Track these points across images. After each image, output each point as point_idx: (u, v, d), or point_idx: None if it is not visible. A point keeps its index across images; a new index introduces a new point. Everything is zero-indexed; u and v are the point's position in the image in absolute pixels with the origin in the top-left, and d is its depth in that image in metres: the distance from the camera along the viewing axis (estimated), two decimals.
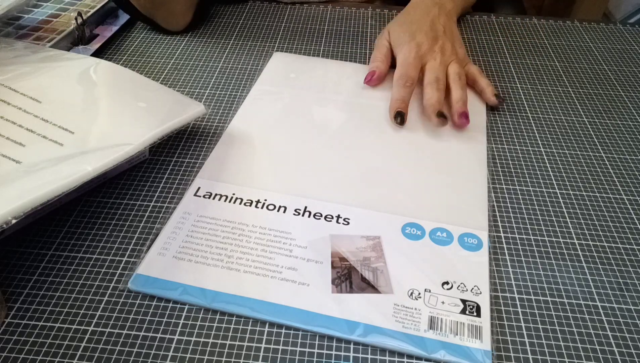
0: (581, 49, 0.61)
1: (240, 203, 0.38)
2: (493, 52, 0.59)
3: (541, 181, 0.42)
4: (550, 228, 0.38)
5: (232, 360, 0.29)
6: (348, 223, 0.37)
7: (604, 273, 0.35)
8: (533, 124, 0.48)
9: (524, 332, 0.31)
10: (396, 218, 0.37)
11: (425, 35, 0.52)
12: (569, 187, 0.42)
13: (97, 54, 0.55)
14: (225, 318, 0.31)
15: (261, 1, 0.68)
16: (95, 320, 0.31)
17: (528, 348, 0.30)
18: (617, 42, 0.62)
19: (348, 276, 0.33)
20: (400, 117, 0.46)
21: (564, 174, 0.43)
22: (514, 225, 0.38)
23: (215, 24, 0.62)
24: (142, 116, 0.39)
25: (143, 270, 0.33)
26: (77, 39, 0.55)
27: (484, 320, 0.31)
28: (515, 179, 0.42)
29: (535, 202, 0.40)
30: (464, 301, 0.32)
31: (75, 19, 0.55)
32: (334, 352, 0.30)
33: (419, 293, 0.32)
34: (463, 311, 0.31)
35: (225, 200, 0.38)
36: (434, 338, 0.30)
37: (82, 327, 0.30)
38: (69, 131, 0.36)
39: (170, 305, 0.32)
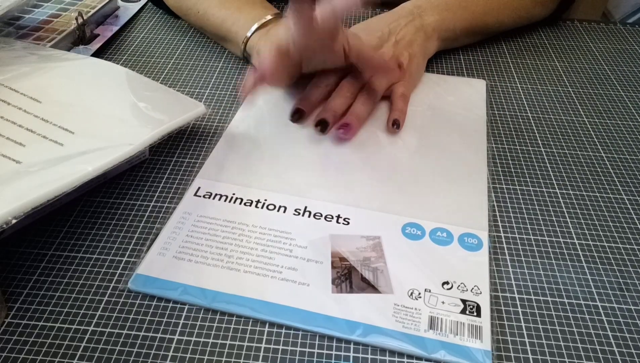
0: (581, 49, 0.61)
1: (240, 203, 0.38)
2: (493, 52, 0.59)
3: (541, 181, 0.42)
4: (550, 228, 0.38)
5: (232, 360, 0.29)
6: (348, 223, 0.37)
7: (604, 273, 0.35)
8: (533, 124, 0.48)
9: (524, 332, 0.31)
10: (396, 218, 0.37)
11: (371, 40, 0.49)
12: (569, 187, 0.42)
13: (98, 54, 0.55)
14: (225, 318, 0.31)
15: None
16: (95, 320, 0.31)
17: (528, 348, 0.30)
18: (617, 42, 0.62)
19: (348, 276, 0.33)
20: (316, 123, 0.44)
21: (564, 174, 0.43)
22: (514, 225, 0.38)
23: None
24: (142, 116, 0.39)
25: (143, 270, 0.33)
26: (77, 39, 0.55)
27: (484, 320, 0.31)
28: (515, 179, 0.42)
29: (535, 202, 0.40)
30: (464, 301, 0.32)
31: (76, 19, 0.55)
32: (334, 352, 0.30)
33: (419, 293, 0.32)
34: (463, 311, 0.31)
35: (225, 200, 0.38)
36: (434, 338, 0.30)
37: (82, 327, 0.30)
38: (69, 131, 0.36)
39: (170, 305, 0.32)
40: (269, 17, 0.51)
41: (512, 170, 0.43)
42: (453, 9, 0.54)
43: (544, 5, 0.61)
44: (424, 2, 0.54)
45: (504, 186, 0.41)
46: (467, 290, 0.33)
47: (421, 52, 0.51)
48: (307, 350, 0.30)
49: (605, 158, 0.45)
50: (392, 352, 0.30)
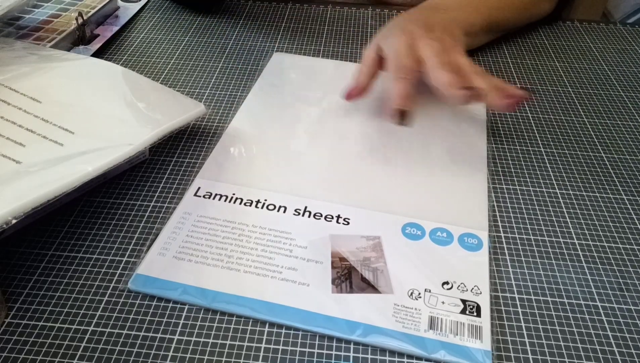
0: (581, 49, 0.61)
1: (240, 203, 0.38)
2: (493, 52, 0.59)
3: (541, 181, 0.42)
4: (550, 228, 0.38)
5: (232, 360, 0.29)
6: (348, 223, 0.37)
7: (604, 273, 0.35)
8: (533, 124, 0.48)
9: (524, 332, 0.31)
10: (396, 218, 0.37)
11: (417, 26, 0.46)
12: (569, 187, 0.42)
13: (98, 54, 0.55)
14: (225, 318, 0.31)
15: (261, 1, 0.68)
16: (95, 320, 0.31)
17: (528, 348, 0.30)
18: (617, 42, 0.62)
19: (348, 276, 0.33)
20: (401, 116, 0.42)
21: (564, 174, 0.43)
22: (514, 225, 0.38)
23: (215, 24, 0.62)
24: (142, 116, 0.39)
25: (143, 270, 0.33)
26: (77, 39, 0.55)
27: (484, 320, 0.31)
28: (515, 179, 0.42)
29: (535, 202, 0.40)
30: (464, 301, 0.32)
31: (76, 19, 0.55)
32: (334, 352, 0.30)
33: (419, 293, 0.32)
34: (463, 312, 0.31)
35: (225, 200, 0.38)
36: (434, 338, 0.30)
37: (82, 327, 0.30)
38: (69, 131, 0.36)
39: (170, 305, 0.32)
40: None
41: (512, 170, 0.43)
42: (474, 4, 0.54)
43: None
44: (441, 0, 0.53)
45: (504, 186, 0.41)
46: (467, 290, 0.33)
47: (460, 42, 0.48)
48: (307, 350, 0.30)
49: (605, 158, 0.45)
50: (392, 352, 0.30)
